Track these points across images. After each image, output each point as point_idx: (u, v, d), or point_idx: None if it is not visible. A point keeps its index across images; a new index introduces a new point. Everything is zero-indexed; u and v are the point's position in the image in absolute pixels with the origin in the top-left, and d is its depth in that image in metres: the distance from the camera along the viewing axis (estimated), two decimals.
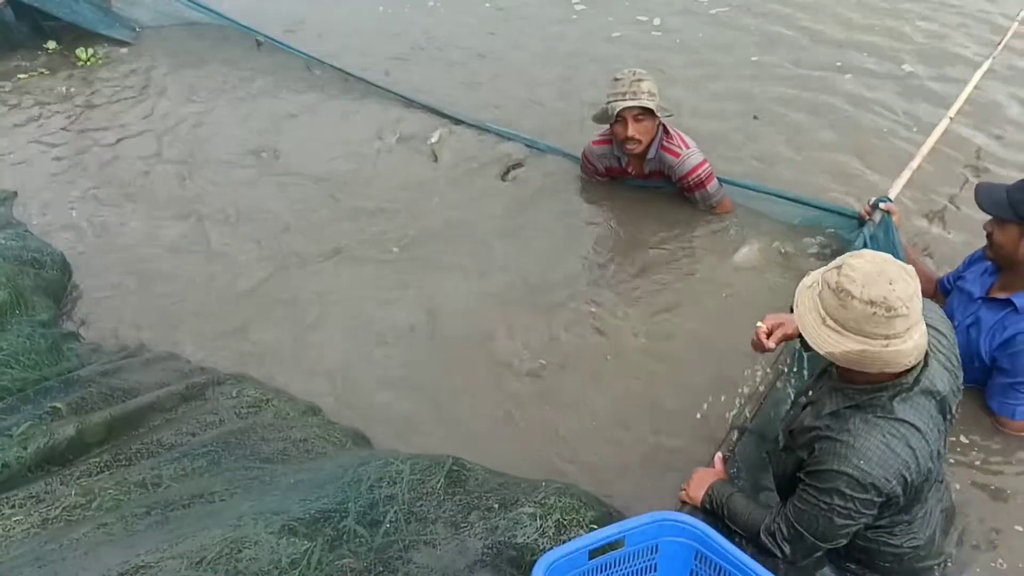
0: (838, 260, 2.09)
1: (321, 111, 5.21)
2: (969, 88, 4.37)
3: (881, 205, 3.56)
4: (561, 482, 2.52)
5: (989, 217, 3.00)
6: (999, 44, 4.85)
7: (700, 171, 3.97)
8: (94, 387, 2.89)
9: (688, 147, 3.98)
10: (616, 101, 3.81)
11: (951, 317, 3.32)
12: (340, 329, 3.56)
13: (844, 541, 2.24)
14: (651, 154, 3.99)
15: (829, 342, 2.06)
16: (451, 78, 5.56)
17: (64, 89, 5.48)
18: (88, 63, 5.77)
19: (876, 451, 2.09)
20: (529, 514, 2.34)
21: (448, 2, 6.69)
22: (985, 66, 4.58)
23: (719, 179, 4.05)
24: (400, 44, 6.01)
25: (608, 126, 3.98)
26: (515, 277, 3.83)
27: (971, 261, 3.41)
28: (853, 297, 1.99)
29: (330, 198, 4.42)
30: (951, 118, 4.16)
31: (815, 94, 5.21)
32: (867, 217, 3.60)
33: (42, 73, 5.66)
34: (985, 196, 3.00)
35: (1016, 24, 5.09)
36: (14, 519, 2.23)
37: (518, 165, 4.59)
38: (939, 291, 3.56)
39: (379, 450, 2.77)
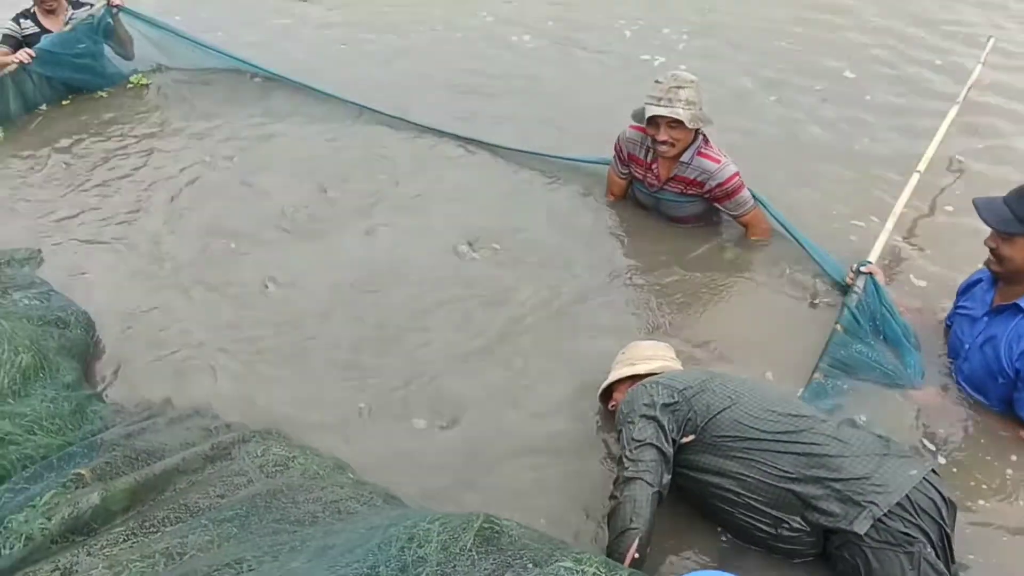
0: None
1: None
2: (937, 139, 4.41)
3: (863, 269, 3.61)
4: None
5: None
6: (964, 90, 4.78)
7: (736, 179, 3.96)
8: (118, 450, 2.84)
9: (726, 156, 3.98)
10: (651, 105, 3.78)
11: (960, 345, 3.26)
12: (359, 380, 3.54)
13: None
14: (686, 157, 3.97)
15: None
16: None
17: (86, 141, 5.45)
18: (138, 86, 5.94)
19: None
20: (567, 568, 2.25)
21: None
22: (951, 115, 4.60)
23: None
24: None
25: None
26: (541, 315, 3.80)
27: (964, 289, 3.42)
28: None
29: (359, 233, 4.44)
30: (920, 172, 4.13)
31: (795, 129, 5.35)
32: (851, 283, 3.62)
33: (61, 123, 5.65)
34: (988, 212, 2.97)
35: (979, 67, 5.03)
36: None
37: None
38: (947, 328, 3.57)
39: (410, 508, 2.69)
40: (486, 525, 2.40)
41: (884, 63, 6.15)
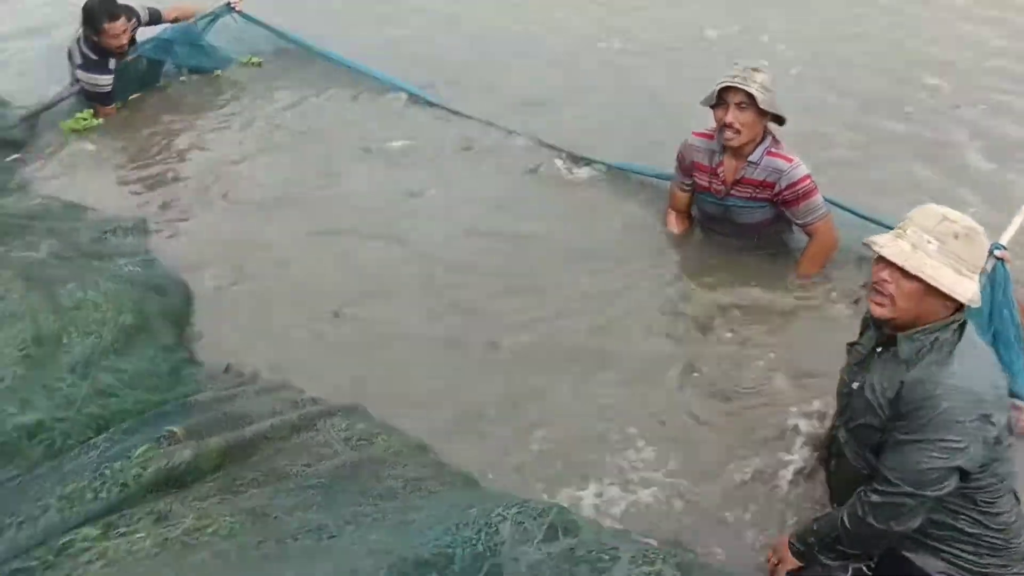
0: (914, 217, 2.25)
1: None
2: None
3: (996, 253, 3.30)
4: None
5: None
6: None
7: (808, 182, 3.81)
8: (210, 413, 2.96)
9: (798, 157, 3.85)
10: (724, 80, 3.69)
11: None
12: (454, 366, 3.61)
13: (937, 490, 2.17)
14: (754, 157, 3.83)
15: (971, 288, 2.17)
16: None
17: (199, 117, 5.67)
18: (249, 65, 6.22)
19: (969, 368, 2.18)
20: (636, 566, 2.27)
21: None
22: None
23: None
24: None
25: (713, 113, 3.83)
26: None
27: None
28: (979, 233, 2.21)
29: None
30: None
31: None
32: None
33: (175, 101, 5.91)
34: None
35: None
36: (136, 535, 2.28)
37: None
38: None
39: (488, 491, 2.74)
40: (560, 516, 2.43)
41: None
